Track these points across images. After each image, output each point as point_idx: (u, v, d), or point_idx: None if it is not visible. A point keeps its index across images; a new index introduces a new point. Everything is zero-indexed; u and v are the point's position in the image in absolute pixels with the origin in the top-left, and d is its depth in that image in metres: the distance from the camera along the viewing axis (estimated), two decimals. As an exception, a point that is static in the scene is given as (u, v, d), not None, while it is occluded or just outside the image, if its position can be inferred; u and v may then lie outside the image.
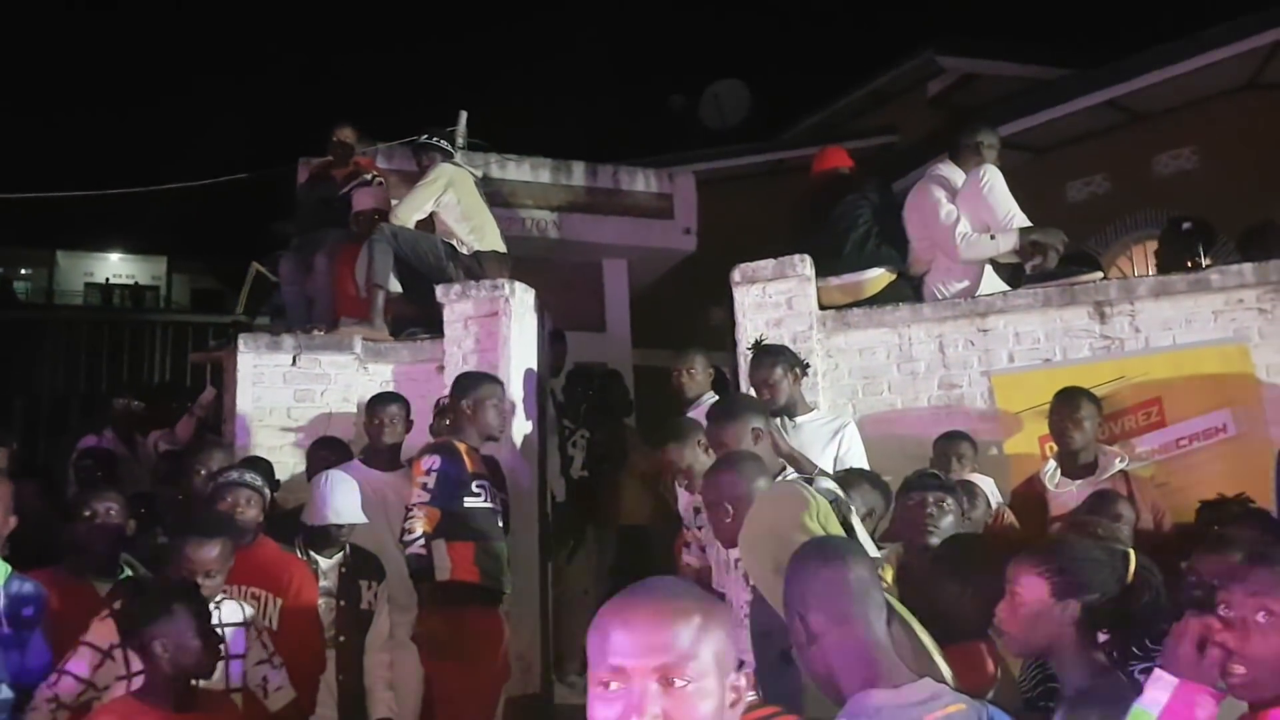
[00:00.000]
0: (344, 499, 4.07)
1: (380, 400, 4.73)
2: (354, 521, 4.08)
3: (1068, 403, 4.29)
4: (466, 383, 4.45)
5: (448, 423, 4.53)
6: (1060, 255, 4.81)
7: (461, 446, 4.19)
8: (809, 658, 1.91)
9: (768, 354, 4.45)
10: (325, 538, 4.04)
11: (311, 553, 4.03)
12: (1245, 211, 7.32)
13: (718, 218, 9.10)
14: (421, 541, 3.94)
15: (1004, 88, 10.49)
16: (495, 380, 4.57)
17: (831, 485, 3.40)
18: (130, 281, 35.50)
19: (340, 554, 4.08)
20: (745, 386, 4.75)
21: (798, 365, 4.47)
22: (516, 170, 8.29)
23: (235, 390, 5.26)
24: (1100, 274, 4.82)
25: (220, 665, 3.10)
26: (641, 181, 8.74)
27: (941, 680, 1.90)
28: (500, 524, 4.24)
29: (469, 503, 4.08)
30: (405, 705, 4.21)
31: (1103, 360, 4.68)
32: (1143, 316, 4.65)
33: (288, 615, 3.71)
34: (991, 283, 5.09)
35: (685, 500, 4.29)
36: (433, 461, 4.05)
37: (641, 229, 8.68)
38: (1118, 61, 8.88)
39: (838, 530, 2.66)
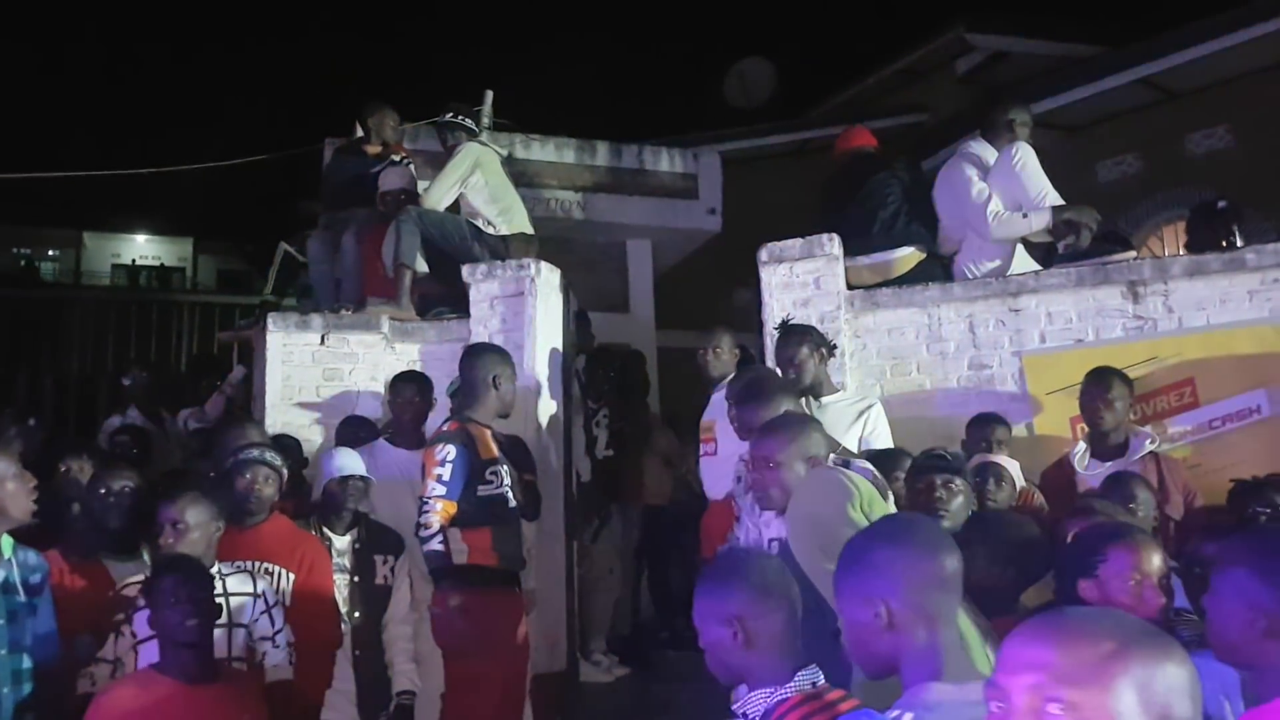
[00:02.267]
0: (345, 458, 4.08)
1: (400, 380, 4.75)
2: (356, 473, 4.06)
3: (1099, 383, 4.24)
4: (474, 357, 4.27)
5: (459, 402, 4.44)
6: (1093, 234, 4.75)
7: (476, 430, 4.07)
8: (877, 644, 1.77)
9: (793, 333, 4.42)
10: (338, 513, 4.04)
11: (325, 530, 4.04)
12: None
13: (743, 198, 9.05)
14: (440, 537, 3.88)
15: (1034, 65, 10.34)
16: (502, 352, 4.42)
17: (866, 464, 3.39)
18: (156, 263, 35.86)
19: (355, 530, 4.08)
20: (771, 366, 4.73)
21: (824, 345, 4.43)
22: (541, 150, 8.26)
23: (264, 369, 5.29)
24: (1133, 253, 4.76)
25: (225, 634, 3.15)
26: (666, 161, 8.69)
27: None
28: (515, 505, 4.13)
29: (483, 492, 3.99)
30: (431, 681, 4.18)
31: (1135, 340, 4.63)
32: (1176, 296, 4.59)
33: (301, 590, 3.72)
34: (1023, 262, 5.04)
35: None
36: (446, 452, 3.94)
37: (666, 209, 8.63)
38: (1151, 39, 8.73)
39: (884, 513, 2.64)
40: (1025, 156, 4.87)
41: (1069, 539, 2.98)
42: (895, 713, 1.63)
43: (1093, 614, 1.31)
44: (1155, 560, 2.53)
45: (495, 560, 4.01)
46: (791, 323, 4.50)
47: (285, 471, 3.91)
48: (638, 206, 8.54)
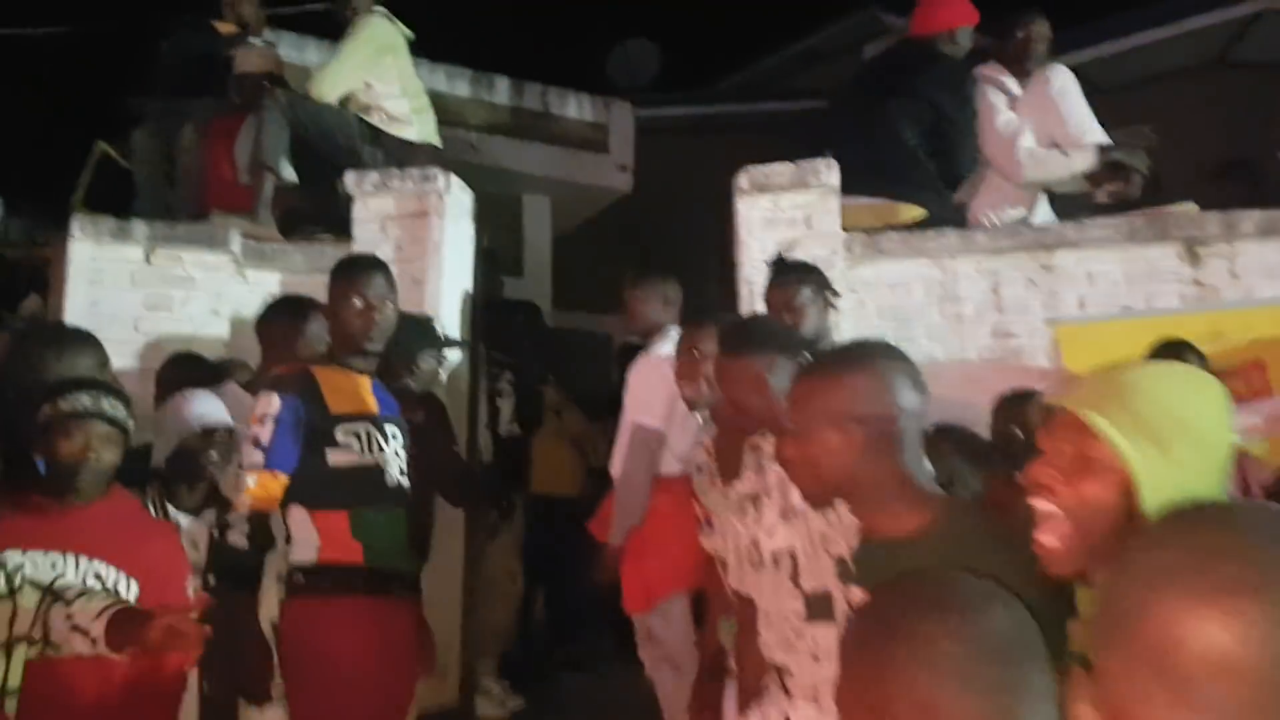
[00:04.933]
0: (205, 404, 2.88)
1: (276, 309, 3.43)
2: (222, 423, 2.86)
3: (1172, 355, 3.38)
4: (337, 272, 2.89)
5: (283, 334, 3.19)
6: (1145, 180, 3.92)
7: (326, 374, 2.79)
8: None
9: (791, 270, 3.37)
10: (193, 482, 2.77)
11: (170, 508, 2.74)
12: (1202, 199, 6.77)
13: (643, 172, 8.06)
14: (245, 528, 2.70)
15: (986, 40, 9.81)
16: (377, 263, 3.01)
17: None
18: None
19: (210, 510, 2.81)
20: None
21: (829, 290, 3.42)
22: (429, 78, 6.98)
23: (64, 290, 3.88)
24: (1193, 205, 3.95)
25: None
26: (574, 107, 7.57)
27: None
28: (395, 482, 2.84)
29: (336, 460, 2.73)
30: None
31: (1195, 312, 3.81)
32: (1244, 260, 3.81)
33: (148, 603, 2.45)
34: (1044, 215, 4.19)
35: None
36: (269, 404, 2.69)
37: (570, 161, 7.52)
38: (1077, 27, 8.30)
39: None
40: (1065, 82, 4.03)
41: None
42: None
43: None
44: None
45: (360, 555, 2.71)
46: (789, 257, 3.45)
47: (131, 425, 2.60)
48: (538, 154, 7.40)
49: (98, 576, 2.42)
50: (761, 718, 2.08)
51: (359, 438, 2.77)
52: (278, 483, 2.67)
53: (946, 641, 1.03)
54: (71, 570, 2.39)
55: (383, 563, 2.80)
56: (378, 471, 2.80)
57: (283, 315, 3.36)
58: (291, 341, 3.23)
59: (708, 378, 2.77)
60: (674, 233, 7.20)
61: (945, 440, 2.81)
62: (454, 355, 4.09)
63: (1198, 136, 7.91)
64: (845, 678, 1.12)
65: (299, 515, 2.71)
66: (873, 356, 1.80)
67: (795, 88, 10.94)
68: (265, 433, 2.65)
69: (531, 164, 7.38)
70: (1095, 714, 0.80)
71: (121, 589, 2.44)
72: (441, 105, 6.96)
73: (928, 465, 2.45)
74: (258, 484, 2.64)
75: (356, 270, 2.89)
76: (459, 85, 7.16)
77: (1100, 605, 0.82)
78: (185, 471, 2.80)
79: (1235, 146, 7.42)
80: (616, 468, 3.58)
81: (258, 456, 2.65)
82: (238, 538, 2.69)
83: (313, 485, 2.71)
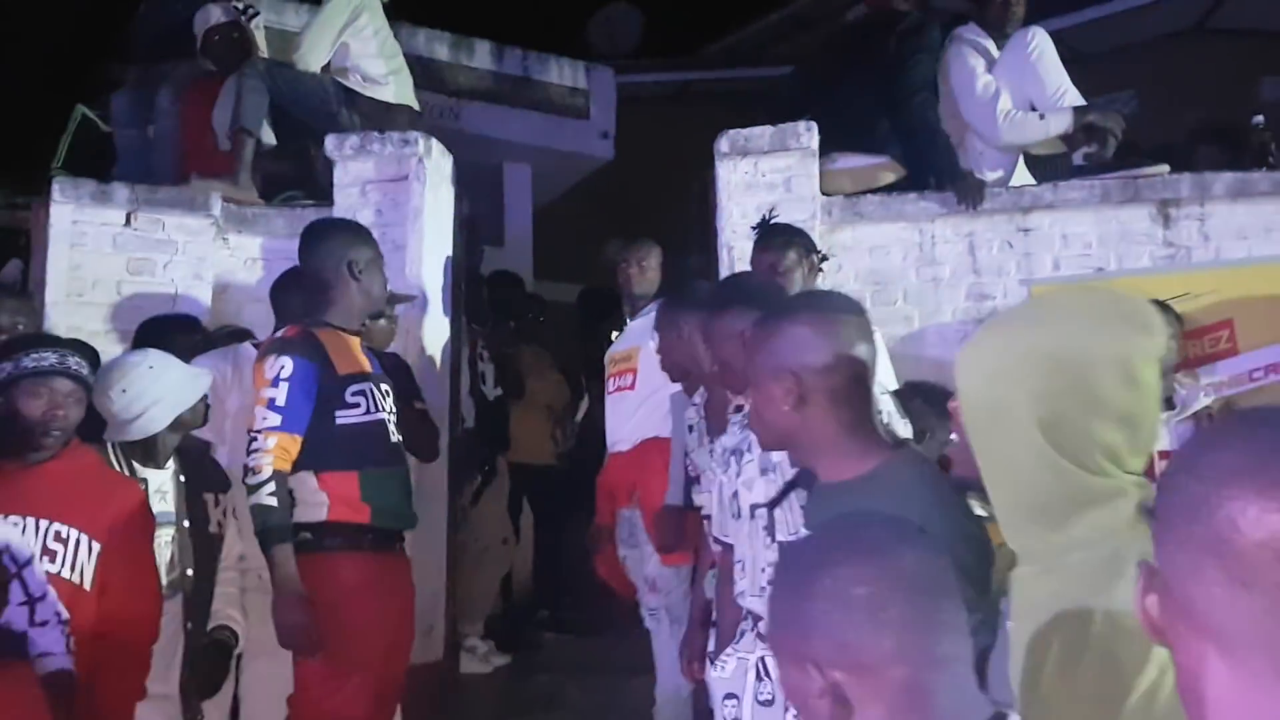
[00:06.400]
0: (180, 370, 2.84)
1: (288, 278, 3.47)
2: (203, 391, 2.84)
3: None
4: (317, 238, 3.03)
5: (303, 302, 3.14)
6: (1118, 143, 3.96)
7: (329, 336, 2.89)
8: None
9: (779, 234, 3.42)
10: (153, 440, 2.78)
11: (135, 464, 2.76)
12: (1180, 165, 6.81)
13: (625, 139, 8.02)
14: (271, 488, 2.69)
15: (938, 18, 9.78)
16: (357, 227, 3.22)
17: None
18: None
19: (173, 461, 2.83)
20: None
21: (815, 253, 3.46)
22: (408, 41, 6.91)
23: (45, 253, 3.87)
24: (1165, 167, 4.00)
25: None
26: (555, 72, 7.52)
27: None
28: (397, 439, 2.99)
29: (344, 419, 2.83)
30: (276, 670, 2.86)
31: (1166, 272, 3.87)
32: (1214, 221, 3.87)
33: (110, 566, 2.48)
34: (1022, 176, 4.23)
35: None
36: (279, 366, 2.76)
37: (552, 128, 7.46)
38: (1058, -7, 8.32)
39: None
40: (1042, 45, 4.05)
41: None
42: None
43: None
44: None
45: (367, 515, 2.84)
46: (775, 220, 3.49)
47: (92, 384, 2.62)
48: (519, 121, 7.34)
49: (59, 537, 2.41)
50: (735, 659, 2.14)
51: (366, 396, 2.88)
52: (295, 444, 2.75)
53: (856, 582, 1.11)
54: (32, 535, 2.36)
55: (388, 522, 2.91)
56: (383, 428, 2.91)
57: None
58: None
59: (692, 355, 2.85)
60: (656, 200, 7.20)
61: (916, 396, 2.88)
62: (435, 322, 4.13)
63: (1177, 102, 8.00)
64: (773, 620, 1.20)
65: (306, 480, 2.78)
66: (815, 309, 1.84)
67: (778, 54, 10.91)
68: (280, 395, 2.73)
69: (512, 131, 7.31)
70: (1161, 604, 0.86)
71: (82, 552, 2.44)
72: (419, 69, 6.97)
73: (885, 414, 2.52)
74: (277, 445, 2.71)
75: (372, 241, 3.06)
76: (438, 49, 7.10)
77: (1162, 501, 0.87)
78: (148, 445, 2.79)
79: (1213, 112, 7.48)
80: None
81: (275, 419, 2.72)
82: (267, 498, 2.68)
83: (321, 447, 2.79)
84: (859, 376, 1.81)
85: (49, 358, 2.50)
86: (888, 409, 2.66)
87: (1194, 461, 0.88)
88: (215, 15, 4.52)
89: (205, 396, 2.86)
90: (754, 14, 11.66)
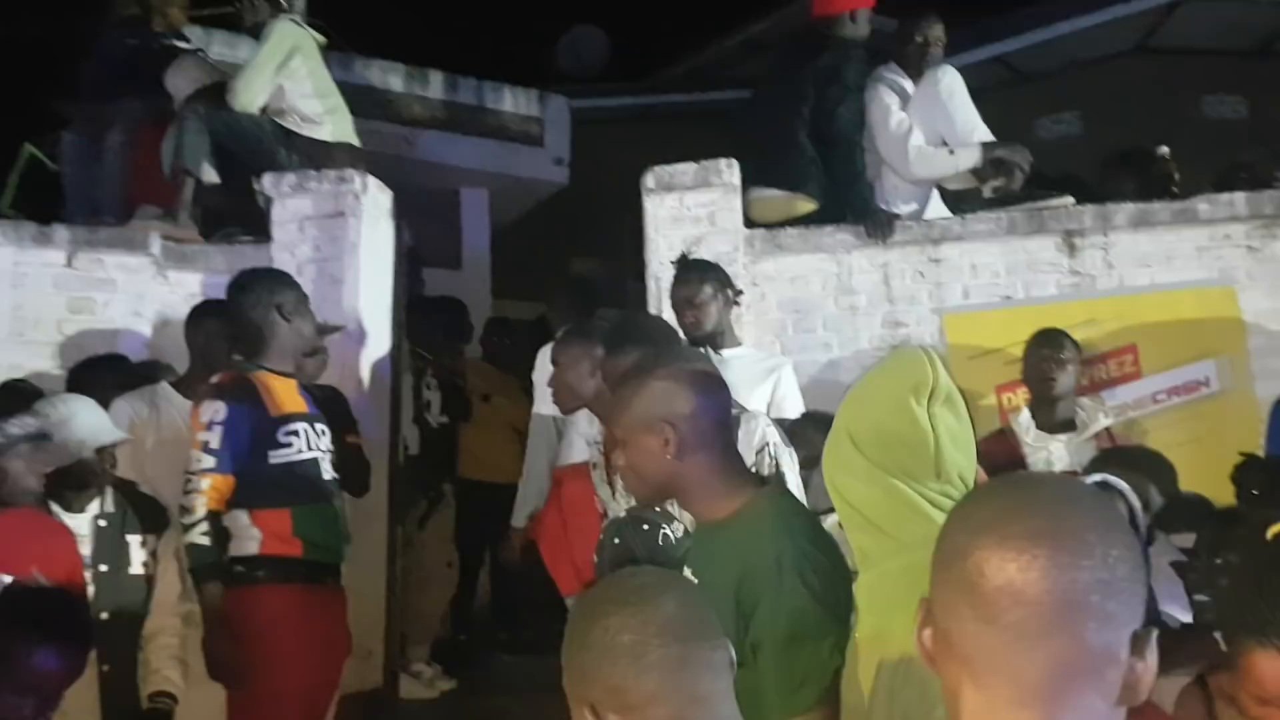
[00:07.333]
0: (100, 418, 2.95)
1: (201, 311, 3.61)
2: (117, 438, 2.96)
3: (1050, 342, 3.62)
4: (243, 288, 3.17)
5: (236, 346, 3.30)
6: (1025, 176, 4.12)
7: (262, 380, 3.06)
8: None
9: (694, 269, 3.59)
10: (87, 489, 2.90)
11: (55, 506, 2.86)
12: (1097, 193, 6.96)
13: (584, 162, 8.16)
14: (205, 527, 2.85)
15: (884, 41, 9.97)
16: (278, 273, 3.47)
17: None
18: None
19: (96, 502, 2.94)
20: (657, 312, 3.91)
21: (729, 287, 3.62)
22: (363, 72, 7.07)
23: (-14, 294, 3.99)
24: (1070, 199, 4.17)
25: None
26: (509, 101, 7.66)
27: None
28: (330, 475, 3.15)
29: (276, 457, 2.99)
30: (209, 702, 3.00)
31: (1071, 300, 4.05)
32: (1118, 250, 4.04)
33: None
34: (936, 208, 4.38)
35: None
36: (213, 410, 2.95)
37: (507, 155, 7.60)
38: (1004, 16, 8.50)
39: None
40: (953, 83, 4.21)
41: None
42: None
43: None
44: None
45: (299, 549, 3.00)
46: (693, 257, 3.65)
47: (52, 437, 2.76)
48: (475, 149, 7.48)
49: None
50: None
51: (299, 436, 3.05)
52: (228, 484, 2.92)
53: (621, 631, 1.25)
54: None
55: (320, 556, 3.06)
56: (315, 466, 3.08)
57: (211, 318, 3.53)
58: (221, 343, 3.41)
59: (573, 389, 3.00)
60: (609, 225, 7.33)
61: (809, 425, 3.02)
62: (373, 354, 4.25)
63: (1120, 121, 8.17)
64: (563, 667, 1.34)
65: (239, 517, 2.94)
66: (670, 363, 1.96)
67: (735, 77, 11.07)
68: (214, 438, 2.90)
69: (467, 158, 7.44)
70: (932, 635, 1.00)
71: None
72: (374, 100, 7.09)
73: (772, 444, 2.65)
74: (211, 487, 2.88)
75: (296, 285, 3.26)
76: (393, 80, 7.23)
77: (938, 545, 1.01)
78: (76, 481, 2.89)
79: (1150, 132, 7.66)
80: None
81: (209, 461, 2.90)
82: (199, 537, 2.84)
83: (255, 486, 2.96)
84: (722, 422, 1.96)
85: (13, 429, 2.65)
86: (773, 439, 2.77)
87: (960, 512, 1.03)
88: (184, 83, 4.61)
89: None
90: (710, 38, 11.83)
